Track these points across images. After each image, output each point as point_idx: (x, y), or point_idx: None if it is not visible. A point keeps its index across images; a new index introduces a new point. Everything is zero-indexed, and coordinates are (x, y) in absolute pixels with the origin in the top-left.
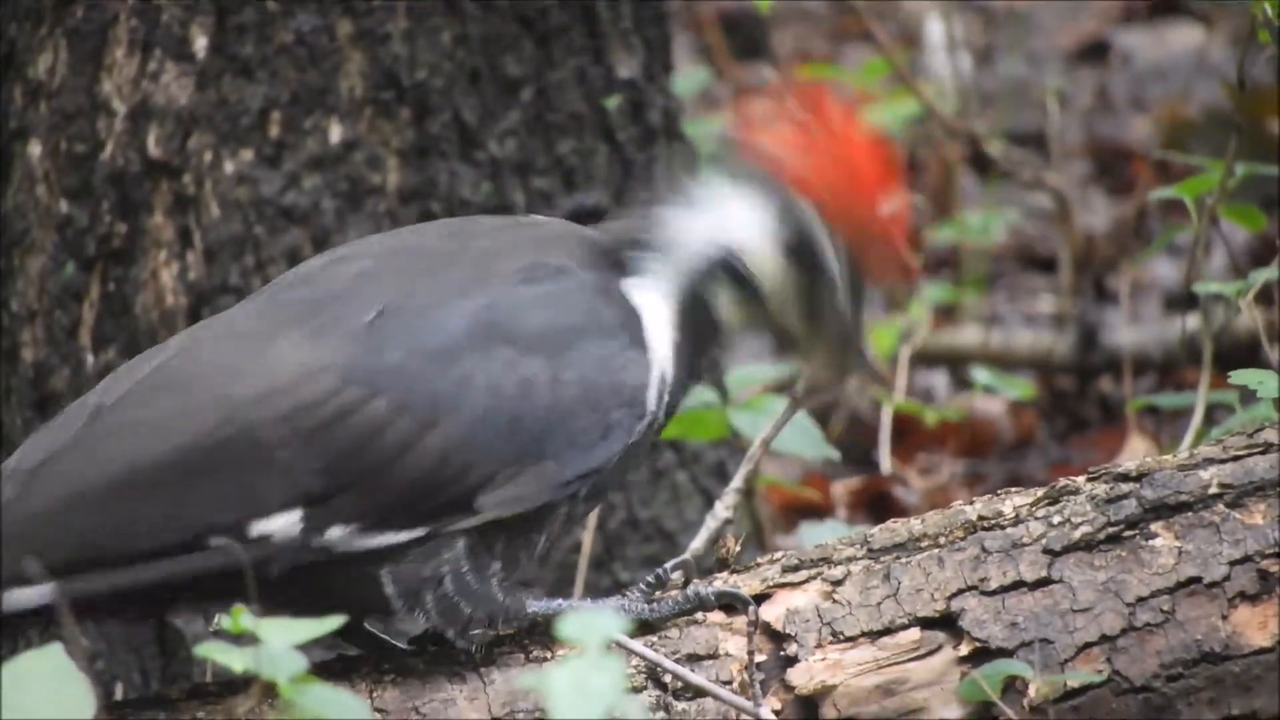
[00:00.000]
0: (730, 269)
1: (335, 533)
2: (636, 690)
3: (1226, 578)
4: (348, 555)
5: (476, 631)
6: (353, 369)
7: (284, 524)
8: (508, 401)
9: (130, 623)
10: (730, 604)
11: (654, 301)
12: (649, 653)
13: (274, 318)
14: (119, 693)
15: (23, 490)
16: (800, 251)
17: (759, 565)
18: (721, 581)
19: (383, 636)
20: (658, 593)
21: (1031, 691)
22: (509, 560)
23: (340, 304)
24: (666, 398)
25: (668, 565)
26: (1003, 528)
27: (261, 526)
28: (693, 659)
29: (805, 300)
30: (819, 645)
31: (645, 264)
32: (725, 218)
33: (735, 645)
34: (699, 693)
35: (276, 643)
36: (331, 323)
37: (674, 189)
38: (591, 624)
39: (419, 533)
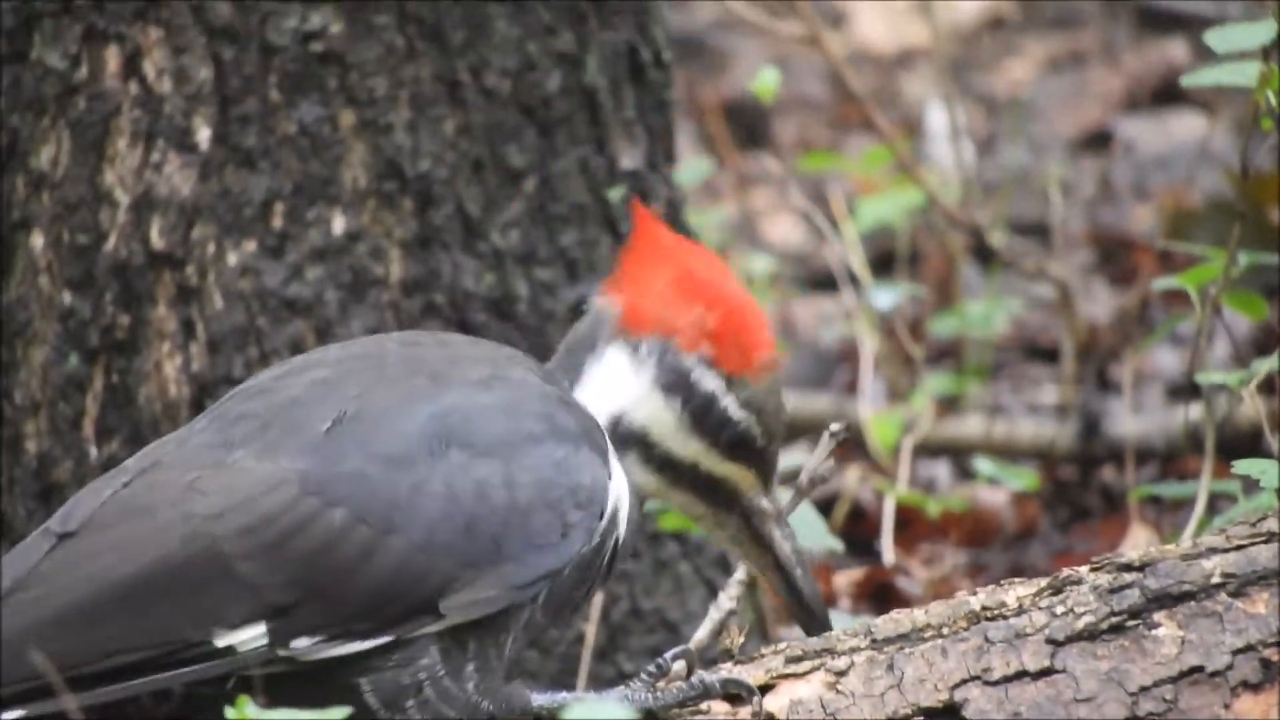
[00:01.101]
0: (633, 437)
1: (302, 643)
2: None
3: (1229, 667)
4: (319, 663)
5: None
6: (310, 479)
7: (249, 636)
8: (464, 505)
9: None
10: (735, 694)
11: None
12: None
13: (230, 431)
14: None
15: None
16: (696, 406)
17: (763, 656)
18: (725, 671)
19: None
20: (661, 682)
21: None
22: (481, 663)
23: (297, 412)
24: (627, 516)
25: (669, 654)
26: (1006, 618)
27: (228, 639)
28: None
29: (714, 447)
30: None
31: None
32: (617, 387)
33: None
34: None
35: None
36: (288, 433)
37: (569, 362)
38: (597, 714)
39: (384, 639)
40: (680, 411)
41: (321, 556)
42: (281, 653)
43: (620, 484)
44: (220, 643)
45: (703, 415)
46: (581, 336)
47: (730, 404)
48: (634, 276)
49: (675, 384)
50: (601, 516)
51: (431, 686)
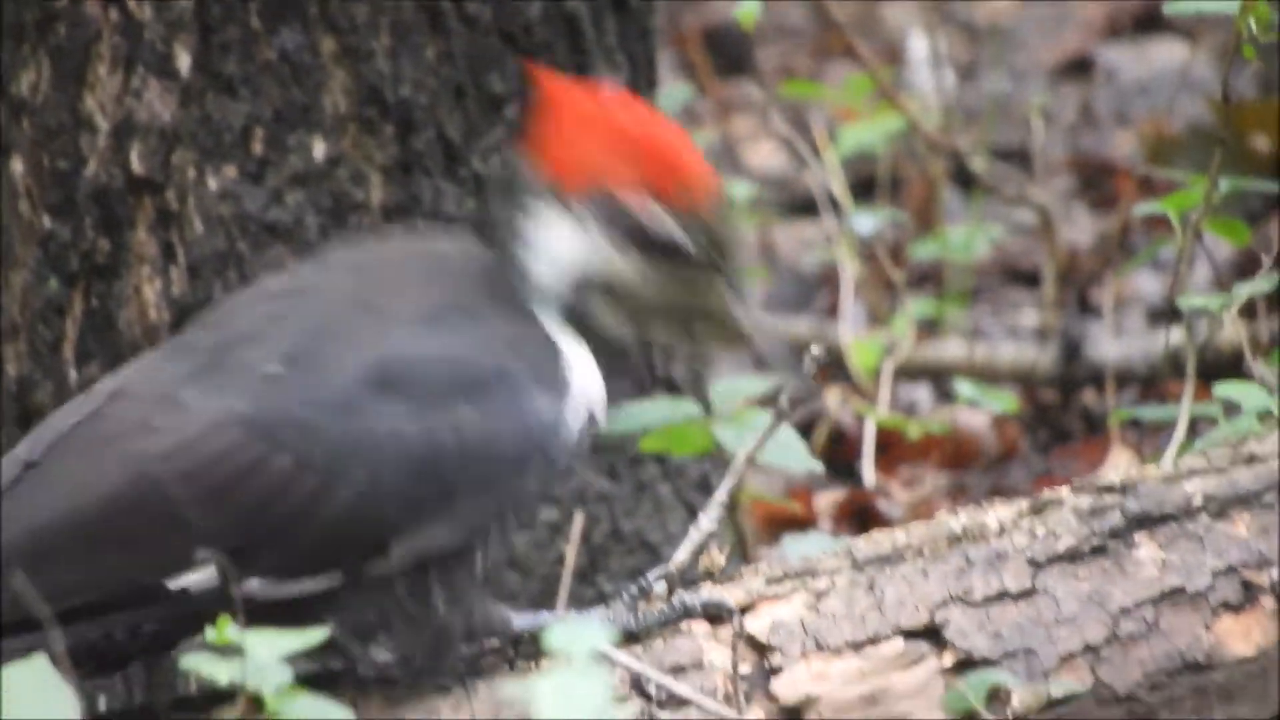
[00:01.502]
0: (591, 286)
1: (254, 584)
2: (621, 701)
3: (1210, 588)
4: (281, 604)
5: (447, 658)
6: (256, 424)
7: (201, 578)
8: (412, 453)
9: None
10: (716, 615)
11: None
12: (634, 663)
13: (186, 364)
14: (103, 704)
15: None
16: (646, 242)
17: (743, 577)
18: (707, 593)
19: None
20: (642, 603)
21: (1015, 701)
22: (449, 591)
23: (244, 351)
24: (591, 425)
25: (650, 575)
26: (987, 539)
27: (180, 582)
28: (677, 670)
29: (674, 282)
30: (803, 656)
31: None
32: (567, 250)
33: (720, 656)
34: (683, 703)
35: (263, 654)
36: (235, 372)
37: (509, 230)
38: (578, 635)
39: (337, 578)
40: (636, 259)
41: (268, 503)
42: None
43: (580, 397)
44: (173, 585)
45: (660, 256)
46: (515, 205)
47: (683, 238)
48: (554, 134)
49: (625, 234)
50: (556, 459)
51: (400, 619)
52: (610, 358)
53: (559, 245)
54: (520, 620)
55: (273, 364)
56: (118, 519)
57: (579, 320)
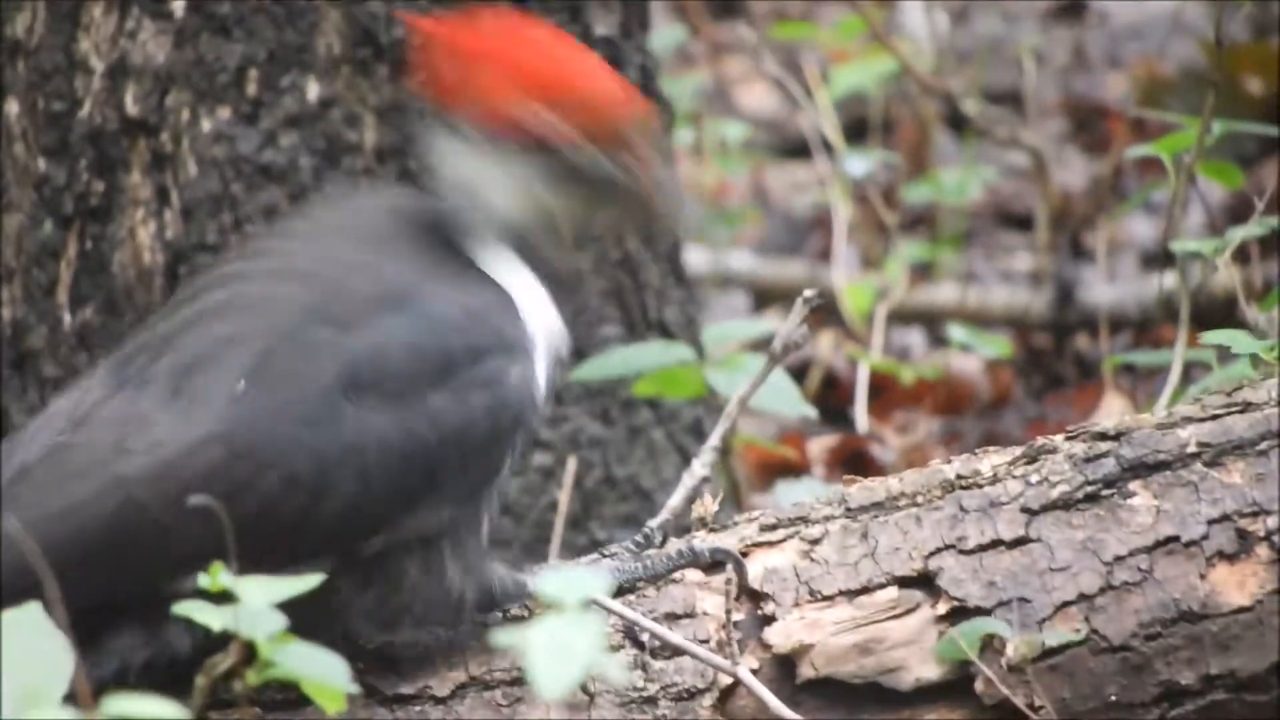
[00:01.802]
0: (525, 218)
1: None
2: (614, 649)
3: (1205, 536)
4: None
5: (466, 629)
6: (236, 444)
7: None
8: (394, 451)
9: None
10: (722, 562)
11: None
12: (627, 611)
13: (143, 390)
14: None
15: None
16: (579, 180)
17: (736, 524)
18: (700, 540)
19: None
20: (647, 552)
21: (1009, 650)
22: (457, 552)
23: (205, 372)
24: (558, 366)
25: (653, 524)
26: (980, 486)
27: (174, 587)
28: (670, 618)
29: (612, 203)
30: (796, 604)
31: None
32: (497, 192)
33: (713, 604)
34: (677, 651)
35: (255, 601)
36: (202, 395)
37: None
38: (570, 584)
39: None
40: (566, 192)
41: (258, 520)
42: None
43: (544, 343)
44: (168, 591)
45: (591, 187)
46: (441, 155)
47: (610, 166)
48: (459, 76)
49: (553, 171)
50: (533, 419)
51: (420, 603)
52: (561, 284)
53: (485, 186)
54: (535, 581)
55: (238, 383)
56: (108, 546)
57: (524, 251)
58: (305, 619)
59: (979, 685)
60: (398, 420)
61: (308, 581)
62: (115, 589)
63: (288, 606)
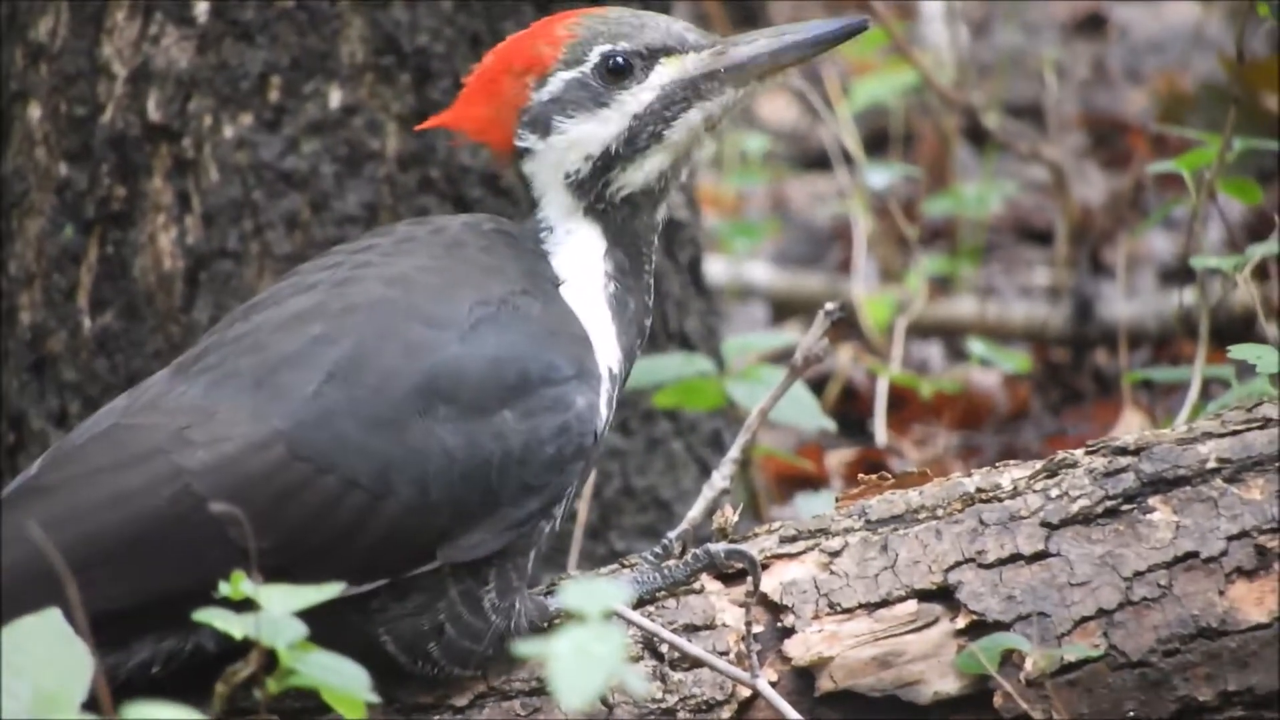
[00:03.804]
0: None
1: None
2: (634, 660)
3: (1224, 553)
4: (331, 615)
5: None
6: (299, 442)
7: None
8: (457, 462)
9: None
10: (732, 570)
11: (588, 277)
12: (647, 623)
13: (224, 383)
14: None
15: None
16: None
17: (756, 535)
18: (728, 543)
19: None
20: (668, 561)
21: (1028, 665)
22: (502, 587)
23: (288, 370)
24: (621, 376)
25: (671, 535)
26: (1000, 500)
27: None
28: (690, 629)
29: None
30: (816, 617)
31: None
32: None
33: (732, 616)
34: (696, 663)
35: (277, 609)
36: (280, 390)
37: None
38: (592, 595)
39: (382, 581)
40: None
41: (314, 522)
42: None
43: (608, 366)
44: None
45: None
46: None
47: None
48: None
49: (584, 98)
50: (594, 443)
51: (452, 626)
52: (635, 250)
53: (571, 137)
54: (555, 603)
55: (314, 382)
56: (160, 533)
57: (606, 211)
58: (330, 627)
59: (998, 699)
60: (465, 433)
61: (330, 590)
62: (158, 582)
63: (313, 612)
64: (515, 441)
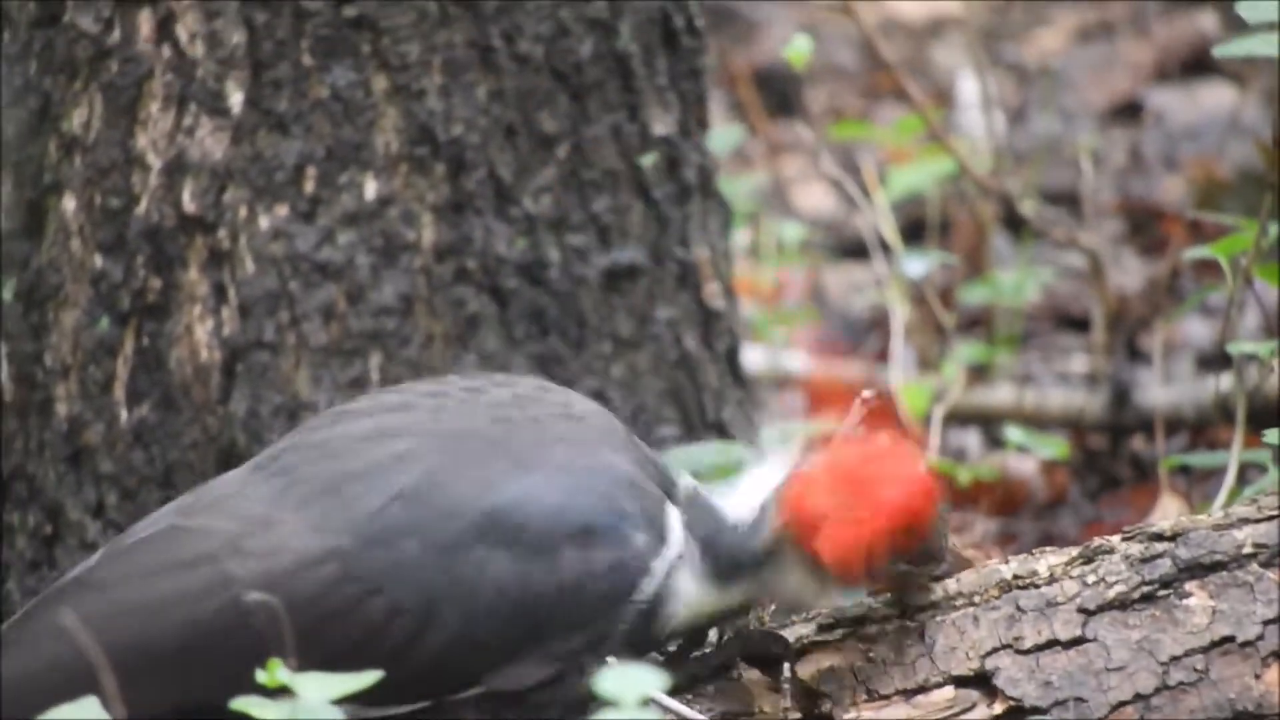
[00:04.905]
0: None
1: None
2: None
3: (1260, 637)
4: None
5: None
6: (352, 561)
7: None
8: (508, 598)
9: None
10: (768, 654)
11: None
12: (684, 710)
13: (291, 489)
14: None
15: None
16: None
17: (794, 623)
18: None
19: None
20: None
21: None
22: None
23: (358, 484)
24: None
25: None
26: (1037, 586)
27: (262, 710)
28: (727, 717)
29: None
30: (854, 703)
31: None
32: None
33: (770, 703)
34: None
35: (313, 698)
36: (344, 506)
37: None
38: (630, 681)
39: (424, 704)
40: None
41: (359, 646)
42: None
43: (684, 583)
44: (256, 712)
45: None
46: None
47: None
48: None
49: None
50: (653, 605)
51: None
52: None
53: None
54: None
55: (380, 500)
56: (203, 641)
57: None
58: None
59: None
60: (520, 568)
61: (366, 679)
62: (201, 692)
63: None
64: (569, 578)
